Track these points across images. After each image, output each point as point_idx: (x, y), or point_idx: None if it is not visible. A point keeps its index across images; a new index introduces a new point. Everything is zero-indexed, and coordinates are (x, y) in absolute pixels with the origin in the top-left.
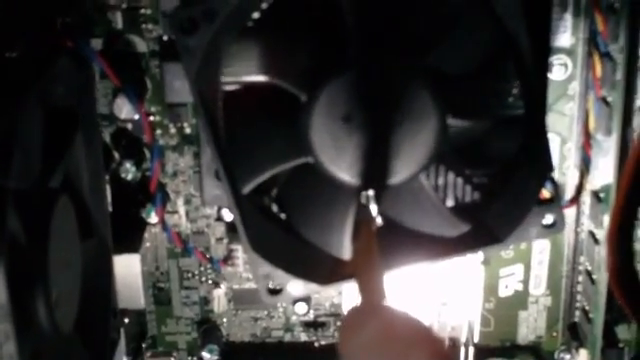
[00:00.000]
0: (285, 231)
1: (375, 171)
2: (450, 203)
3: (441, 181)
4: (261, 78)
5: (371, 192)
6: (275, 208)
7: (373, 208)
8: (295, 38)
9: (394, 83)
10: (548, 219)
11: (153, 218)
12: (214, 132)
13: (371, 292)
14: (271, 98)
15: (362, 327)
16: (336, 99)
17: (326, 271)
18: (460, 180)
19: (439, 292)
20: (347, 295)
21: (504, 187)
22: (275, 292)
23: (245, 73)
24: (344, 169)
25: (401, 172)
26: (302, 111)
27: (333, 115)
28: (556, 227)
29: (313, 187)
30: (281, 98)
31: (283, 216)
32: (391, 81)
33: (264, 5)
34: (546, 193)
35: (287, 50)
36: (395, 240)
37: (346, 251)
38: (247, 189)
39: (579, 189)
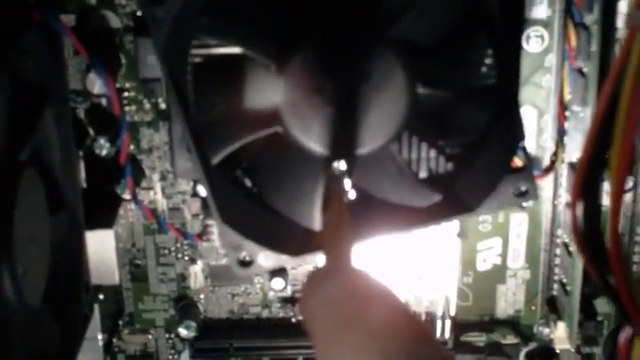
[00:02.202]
0: (256, 203)
1: (344, 141)
2: (424, 174)
3: (414, 153)
4: (231, 49)
5: (342, 163)
6: (247, 180)
7: (345, 179)
8: (263, 8)
9: (362, 53)
10: (520, 187)
11: (128, 194)
12: (183, 104)
13: (336, 257)
14: (241, 68)
15: (322, 285)
16: (305, 69)
17: (297, 242)
18: (433, 151)
19: (416, 266)
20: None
21: (476, 156)
22: (246, 264)
23: (214, 44)
24: (313, 139)
25: (371, 142)
26: (272, 81)
27: (302, 85)
28: (528, 195)
29: (283, 158)
30: (251, 68)
31: (255, 188)
32: (359, 51)
33: None
34: (518, 162)
35: (256, 20)
36: (367, 210)
37: (316, 222)
38: (217, 159)
39: (554, 160)
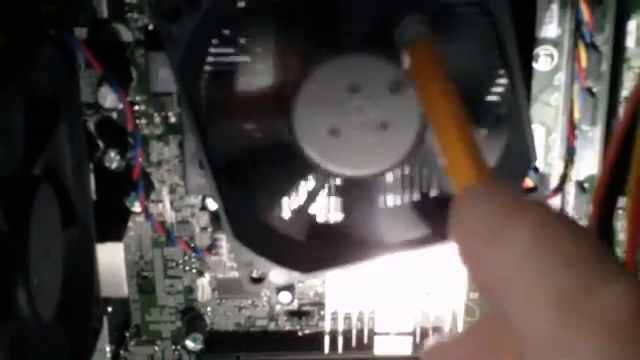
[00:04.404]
0: (266, 219)
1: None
2: (434, 193)
3: (425, 171)
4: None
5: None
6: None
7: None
8: (283, 22)
9: (378, 73)
10: None
11: (137, 207)
12: (197, 121)
13: (475, 169)
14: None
15: (508, 231)
16: (322, 82)
17: (309, 259)
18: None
19: (423, 282)
20: (331, 284)
21: None
22: (257, 280)
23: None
24: (325, 155)
25: (383, 162)
26: (287, 97)
27: (319, 99)
28: None
29: (293, 174)
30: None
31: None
32: (375, 71)
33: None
34: (529, 182)
35: (273, 34)
36: (376, 228)
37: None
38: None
39: (563, 179)
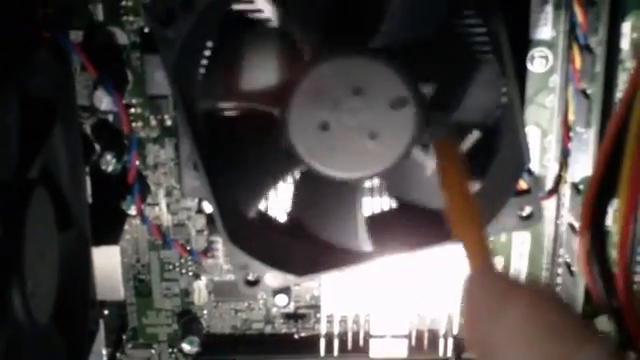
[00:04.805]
0: (263, 223)
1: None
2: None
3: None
4: (233, 104)
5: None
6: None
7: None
8: (254, 62)
9: (373, 74)
10: (525, 210)
11: (133, 210)
12: (191, 123)
13: (483, 259)
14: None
15: (504, 310)
16: (317, 83)
17: (304, 262)
18: None
19: (419, 284)
20: (326, 287)
21: (481, 178)
22: (253, 283)
23: (218, 100)
24: (318, 157)
25: (378, 164)
26: (280, 100)
27: (313, 99)
28: (533, 218)
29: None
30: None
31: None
32: (371, 71)
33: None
34: (523, 184)
35: (250, 74)
36: (376, 231)
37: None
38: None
39: (558, 181)
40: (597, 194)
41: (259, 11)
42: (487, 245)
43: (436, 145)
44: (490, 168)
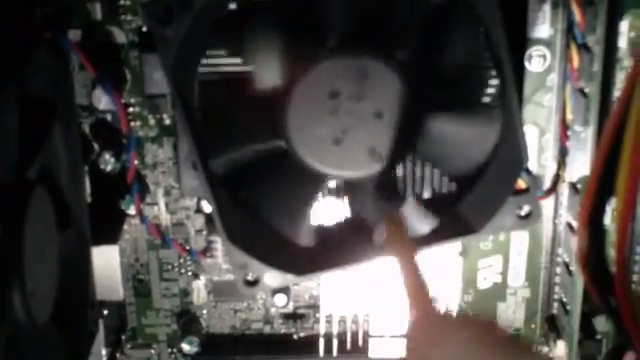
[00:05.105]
0: (262, 222)
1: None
2: (427, 194)
3: (418, 172)
4: (238, 65)
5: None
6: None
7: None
8: (273, 29)
9: (368, 74)
10: (524, 209)
11: (132, 209)
12: (190, 121)
13: (425, 306)
14: (249, 83)
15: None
16: (313, 86)
17: (303, 262)
18: (437, 171)
19: None
20: (325, 287)
21: (480, 178)
22: (252, 283)
23: (224, 63)
24: (317, 157)
25: (375, 164)
26: (279, 98)
27: (309, 103)
28: (532, 217)
29: (286, 177)
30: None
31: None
32: (365, 72)
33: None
34: (522, 184)
35: (266, 40)
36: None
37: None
38: (219, 167)
39: (556, 180)
40: (595, 193)
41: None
42: (428, 295)
43: (387, 220)
44: (489, 167)
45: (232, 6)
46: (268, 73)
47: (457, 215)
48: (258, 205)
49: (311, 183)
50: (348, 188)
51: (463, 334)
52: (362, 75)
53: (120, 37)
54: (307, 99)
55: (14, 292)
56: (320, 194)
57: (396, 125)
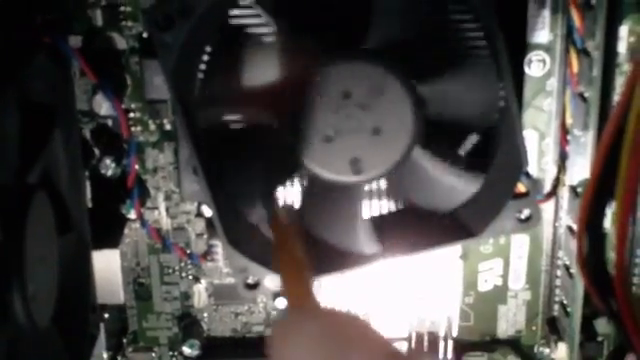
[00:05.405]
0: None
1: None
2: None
3: (407, 183)
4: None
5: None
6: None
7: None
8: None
9: (370, 73)
10: (523, 213)
11: (133, 214)
12: (190, 127)
13: (299, 298)
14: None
15: (295, 333)
16: (314, 90)
17: None
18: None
19: (418, 287)
20: (326, 289)
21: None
22: (252, 286)
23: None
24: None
25: (376, 168)
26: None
27: (321, 95)
28: (532, 221)
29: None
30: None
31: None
32: (367, 72)
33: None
34: (522, 187)
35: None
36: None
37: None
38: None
39: (556, 184)
40: (594, 196)
41: (258, 16)
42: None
43: (274, 223)
44: (489, 171)
45: (233, 11)
46: (269, 79)
47: (457, 219)
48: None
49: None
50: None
51: (315, 325)
52: (379, 89)
53: (121, 43)
54: (308, 107)
55: (15, 295)
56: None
57: (388, 147)
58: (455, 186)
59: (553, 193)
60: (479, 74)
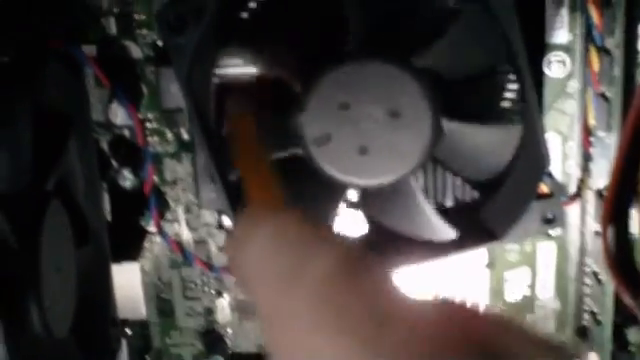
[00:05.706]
0: None
1: (364, 168)
2: (449, 203)
3: (440, 182)
4: (258, 69)
5: None
6: None
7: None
8: (292, 30)
9: (387, 81)
10: (547, 214)
11: (151, 225)
12: (206, 132)
13: (262, 198)
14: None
15: (256, 235)
16: (329, 91)
17: None
18: (459, 180)
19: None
20: None
21: (502, 184)
22: None
23: (241, 64)
24: (333, 163)
25: (392, 172)
26: (295, 102)
27: (326, 108)
28: (556, 222)
29: (302, 184)
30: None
31: None
32: (385, 79)
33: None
34: (545, 188)
35: (284, 41)
36: (393, 239)
37: None
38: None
39: (580, 186)
40: (617, 195)
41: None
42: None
43: (233, 119)
44: (511, 173)
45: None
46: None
47: (480, 222)
48: None
49: (330, 193)
50: (369, 196)
51: (270, 223)
52: (381, 82)
53: (136, 52)
54: (323, 103)
55: (31, 305)
56: (340, 205)
57: (415, 135)
58: (495, 141)
59: (578, 195)
60: (475, 27)
